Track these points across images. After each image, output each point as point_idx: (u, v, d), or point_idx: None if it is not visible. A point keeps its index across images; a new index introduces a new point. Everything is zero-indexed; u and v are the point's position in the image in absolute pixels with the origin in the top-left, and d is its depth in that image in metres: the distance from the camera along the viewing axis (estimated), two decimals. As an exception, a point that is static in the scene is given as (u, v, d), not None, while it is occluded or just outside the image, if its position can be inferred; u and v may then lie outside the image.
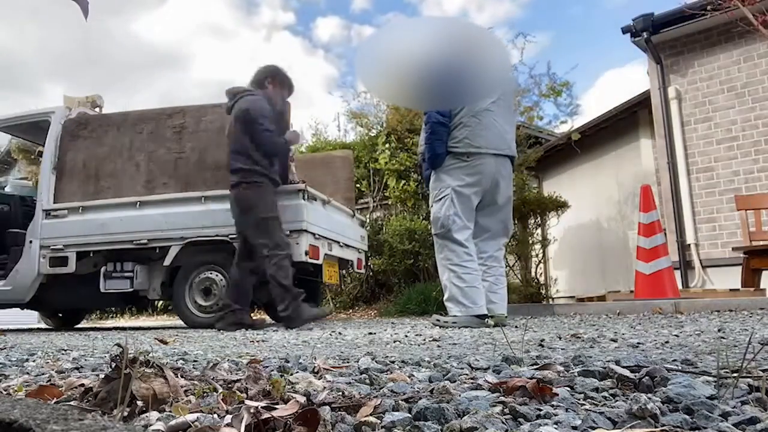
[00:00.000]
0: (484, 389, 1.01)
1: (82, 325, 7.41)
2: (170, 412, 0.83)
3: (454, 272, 3.59)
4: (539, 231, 8.11)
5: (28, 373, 1.45)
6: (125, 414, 0.82)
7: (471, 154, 3.63)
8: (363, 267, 6.32)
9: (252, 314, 4.68)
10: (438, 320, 3.71)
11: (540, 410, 0.82)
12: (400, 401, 0.89)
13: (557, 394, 0.91)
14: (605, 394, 0.95)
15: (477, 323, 3.49)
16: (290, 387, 1.04)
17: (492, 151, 3.67)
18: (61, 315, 6.84)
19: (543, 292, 7.93)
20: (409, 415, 0.80)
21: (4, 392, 1.10)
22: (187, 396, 0.95)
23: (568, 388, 0.98)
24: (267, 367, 1.41)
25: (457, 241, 3.62)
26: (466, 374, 1.22)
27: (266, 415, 0.76)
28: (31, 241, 5.01)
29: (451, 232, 3.62)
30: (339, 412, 0.81)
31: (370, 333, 3.15)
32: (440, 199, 3.68)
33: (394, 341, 2.51)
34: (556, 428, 0.72)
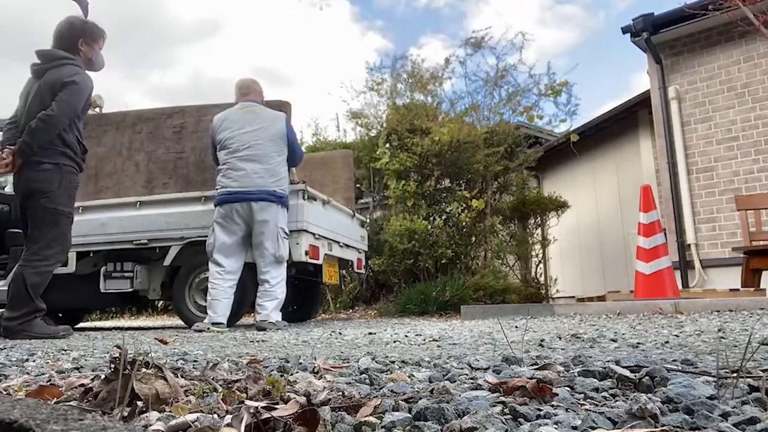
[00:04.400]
0: (484, 389, 1.01)
1: (83, 324, 7.41)
2: (170, 412, 0.83)
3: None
4: (539, 231, 8.11)
5: (28, 373, 1.45)
6: (125, 414, 0.82)
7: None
8: (363, 267, 6.32)
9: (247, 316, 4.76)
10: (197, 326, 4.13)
11: (540, 410, 0.82)
12: (400, 401, 0.88)
13: (557, 394, 0.91)
14: (605, 394, 0.95)
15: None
16: (290, 387, 1.04)
17: None
18: (61, 315, 6.84)
19: (543, 292, 7.93)
20: (409, 415, 0.80)
21: (4, 392, 1.10)
22: (187, 396, 0.95)
23: (568, 388, 0.98)
24: (267, 367, 1.41)
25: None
26: (466, 374, 1.22)
27: (266, 415, 0.76)
28: (31, 241, 5.00)
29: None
30: (339, 412, 0.81)
31: (370, 333, 3.15)
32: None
33: (394, 341, 2.51)
34: (556, 428, 0.72)
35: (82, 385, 1.02)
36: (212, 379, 1.11)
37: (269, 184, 4.29)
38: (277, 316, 4.29)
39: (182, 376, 1.11)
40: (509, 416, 0.80)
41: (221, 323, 4.16)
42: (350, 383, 1.12)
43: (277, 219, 4.30)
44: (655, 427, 0.71)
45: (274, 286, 4.31)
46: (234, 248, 4.34)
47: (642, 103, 7.70)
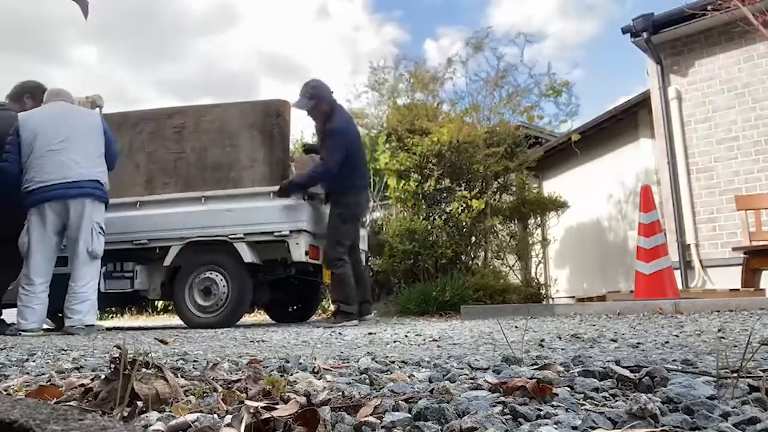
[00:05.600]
0: (484, 389, 1.01)
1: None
2: (170, 412, 0.83)
3: None
4: (539, 231, 8.11)
5: (28, 373, 1.45)
6: (125, 414, 0.82)
7: None
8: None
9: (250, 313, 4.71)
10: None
11: (540, 410, 0.82)
12: (400, 401, 0.89)
13: (557, 394, 0.91)
14: (605, 394, 0.95)
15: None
16: (290, 387, 1.04)
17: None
18: (61, 315, 6.83)
19: (543, 292, 7.93)
20: (409, 415, 0.80)
21: (4, 392, 1.10)
22: (187, 396, 0.95)
23: (568, 388, 0.98)
24: (267, 367, 1.41)
25: None
26: (466, 374, 1.22)
27: (266, 415, 0.76)
28: (31, 241, 5.00)
29: None
30: (339, 412, 0.81)
31: (370, 333, 3.15)
32: None
33: (394, 341, 2.51)
34: (556, 428, 0.72)
35: (82, 385, 1.02)
36: (212, 379, 1.11)
37: (92, 174, 4.14)
38: (91, 319, 4.14)
39: (182, 376, 1.11)
40: (509, 416, 0.80)
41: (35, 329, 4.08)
42: (350, 383, 1.12)
43: (92, 213, 4.15)
44: (655, 427, 0.71)
45: (84, 286, 4.15)
46: (52, 249, 4.21)
47: (642, 103, 7.70)
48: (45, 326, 6.33)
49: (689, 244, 6.64)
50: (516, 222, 7.99)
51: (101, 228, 4.23)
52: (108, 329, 4.76)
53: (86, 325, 4.08)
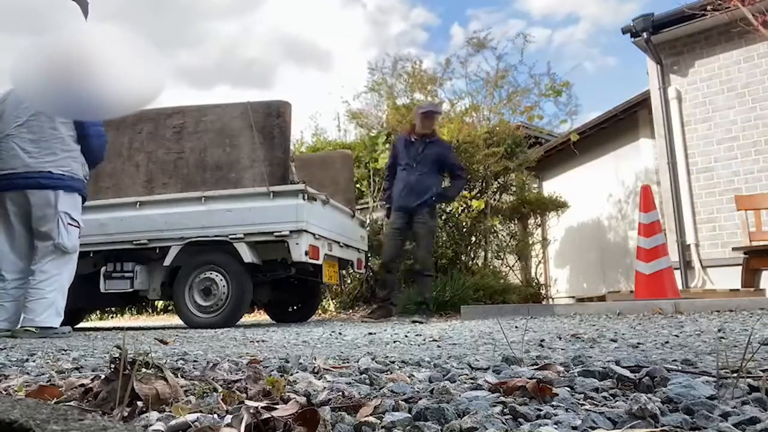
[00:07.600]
0: (484, 389, 1.01)
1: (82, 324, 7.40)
2: (170, 412, 0.83)
3: None
4: (539, 231, 8.12)
5: (28, 373, 1.45)
6: (125, 414, 0.82)
7: None
8: (363, 267, 6.32)
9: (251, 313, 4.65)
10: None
11: (540, 410, 0.82)
12: (400, 401, 0.89)
13: (557, 394, 0.91)
14: (605, 394, 0.95)
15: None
16: (290, 387, 1.04)
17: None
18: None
19: (543, 292, 7.93)
20: (409, 415, 0.80)
21: (4, 392, 1.10)
22: (187, 396, 0.95)
23: (568, 388, 0.98)
24: (267, 367, 1.41)
25: None
26: (466, 374, 1.22)
27: (266, 415, 0.76)
28: (31, 241, 5.00)
29: None
30: (339, 412, 0.81)
31: (370, 333, 3.15)
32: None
33: (394, 341, 2.51)
34: (556, 428, 0.72)
35: (82, 385, 1.02)
36: (212, 379, 1.11)
37: (44, 165, 3.72)
38: (48, 321, 3.64)
39: (182, 376, 1.11)
40: (509, 416, 0.80)
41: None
42: (350, 383, 1.12)
43: (57, 203, 3.73)
44: (655, 427, 0.71)
45: (42, 282, 3.69)
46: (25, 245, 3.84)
47: (642, 103, 7.70)
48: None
49: (689, 244, 6.64)
50: (516, 222, 8.00)
51: (72, 219, 3.82)
52: (73, 330, 4.40)
53: (40, 328, 3.58)
